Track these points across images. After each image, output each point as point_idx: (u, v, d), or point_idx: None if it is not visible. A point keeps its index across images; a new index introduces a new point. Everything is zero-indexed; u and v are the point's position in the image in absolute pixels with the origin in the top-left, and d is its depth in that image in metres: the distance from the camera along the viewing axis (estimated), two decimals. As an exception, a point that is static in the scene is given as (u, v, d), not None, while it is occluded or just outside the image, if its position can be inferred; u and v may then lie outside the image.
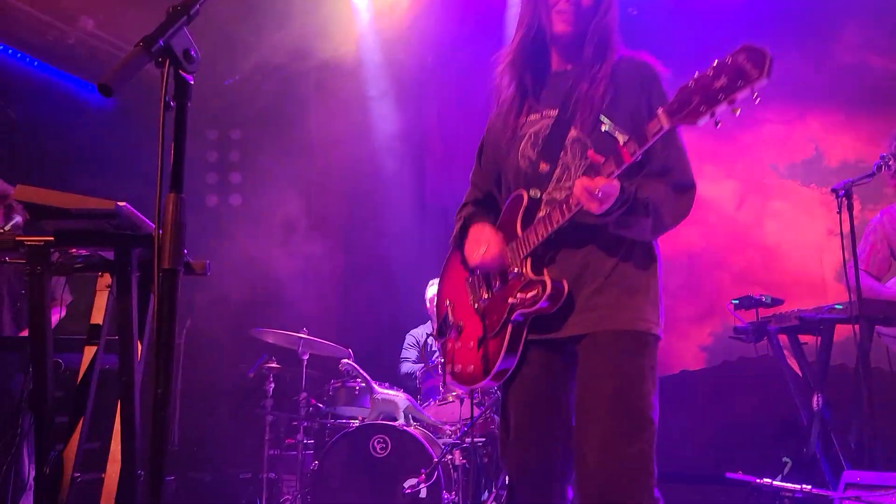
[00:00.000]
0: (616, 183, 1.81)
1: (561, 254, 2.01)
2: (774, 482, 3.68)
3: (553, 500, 2.01)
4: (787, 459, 4.31)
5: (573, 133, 2.01)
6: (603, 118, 1.89)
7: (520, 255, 2.03)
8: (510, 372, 2.06)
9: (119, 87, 1.10)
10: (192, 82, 1.26)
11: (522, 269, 2.01)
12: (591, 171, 1.83)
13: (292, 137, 7.03)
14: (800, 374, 4.17)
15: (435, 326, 2.42)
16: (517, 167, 2.11)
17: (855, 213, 3.70)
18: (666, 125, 1.72)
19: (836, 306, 3.79)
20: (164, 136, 1.24)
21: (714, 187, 5.89)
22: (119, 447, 2.11)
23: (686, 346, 6.01)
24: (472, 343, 2.15)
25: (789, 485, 3.62)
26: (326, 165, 7.13)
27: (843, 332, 4.07)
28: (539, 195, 2.04)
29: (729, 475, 4.05)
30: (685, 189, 1.98)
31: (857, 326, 3.59)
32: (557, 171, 2.02)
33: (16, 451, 3.14)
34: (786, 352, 4.28)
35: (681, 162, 1.99)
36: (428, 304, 5.18)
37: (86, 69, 6.25)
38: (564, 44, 2.07)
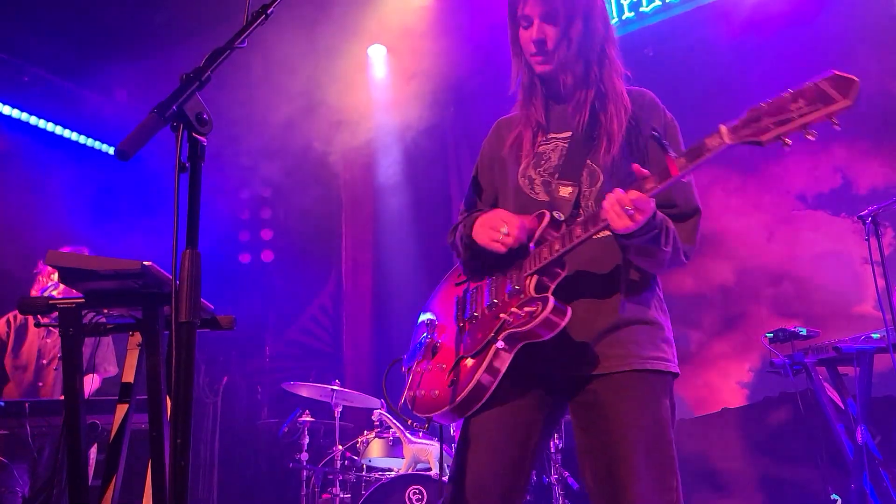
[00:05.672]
0: (651, 202, 1.69)
1: (571, 281, 1.86)
2: (822, 520, 3.55)
3: None
4: (836, 497, 4.15)
5: (587, 160, 1.95)
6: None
7: (526, 271, 1.86)
8: (478, 405, 1.78)
9: (135, 152, 1.17)
10: (206, 143, 1.32)
11: (525, 286, 1.83)
12: (633, 185, 1.70)
13: (322, 192, 7.19)
14: (842, 406, 4.05)
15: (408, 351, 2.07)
16: (528, 190, 2.01)
17: (889, 239, 3.64)
18: (728, 141, 1.58)
19: (874, 335, 3.70)
20: (179, 194, 1.30)
21: (743, 221, 5.82)
22: (151, 504, 2.13)
23: (725, 384, 5.86)
24: (444, 364, 1.89)
25: (838, 523, 3.49)
26: (360, 218, 7.26)
27: (884, 362, 3.94)
28: (562, 217, 1.90)
29: (775, 515, 3.91)
30: (690, 215, 1.93)
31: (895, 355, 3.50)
32: (578, 193, 1.93)
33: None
34: (826, 384, 4.16)
35: (686, 191, 1.94)
36: None
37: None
38: (552, 80, 2.06)
